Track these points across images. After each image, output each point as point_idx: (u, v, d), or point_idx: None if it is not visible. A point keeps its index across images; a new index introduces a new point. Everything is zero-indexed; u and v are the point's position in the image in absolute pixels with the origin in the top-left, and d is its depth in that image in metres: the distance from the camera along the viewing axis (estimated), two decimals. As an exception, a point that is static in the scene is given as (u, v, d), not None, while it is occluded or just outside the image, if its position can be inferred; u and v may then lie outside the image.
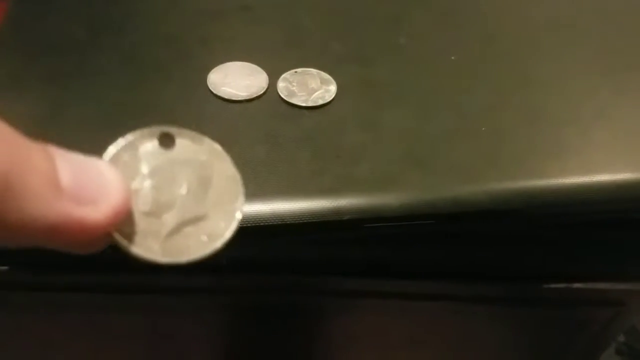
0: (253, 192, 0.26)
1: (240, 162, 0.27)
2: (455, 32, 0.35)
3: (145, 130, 0.16)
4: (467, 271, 0.29)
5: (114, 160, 0.15)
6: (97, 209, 0.13)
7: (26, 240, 0.13)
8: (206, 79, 0.31)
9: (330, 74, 0.31)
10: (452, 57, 0.33)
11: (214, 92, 0.30)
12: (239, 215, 0.16)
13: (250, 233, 0.25)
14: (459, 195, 0.26)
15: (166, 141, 0.16)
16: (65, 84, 0.30)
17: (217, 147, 0.17)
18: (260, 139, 0.28)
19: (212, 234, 0.16)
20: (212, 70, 0.31)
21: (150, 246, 0.15)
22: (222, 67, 0.31)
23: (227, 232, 0.16)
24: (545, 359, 0.37)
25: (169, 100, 0.30)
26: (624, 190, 0.27)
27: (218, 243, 0.16)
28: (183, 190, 0.16)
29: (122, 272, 0.27)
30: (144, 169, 0.16)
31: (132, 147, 0.16)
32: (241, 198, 0.17)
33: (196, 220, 0.16)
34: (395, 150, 0.28)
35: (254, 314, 0.32)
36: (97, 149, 0.16)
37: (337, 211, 0.25)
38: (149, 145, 0.16)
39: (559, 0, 0.37)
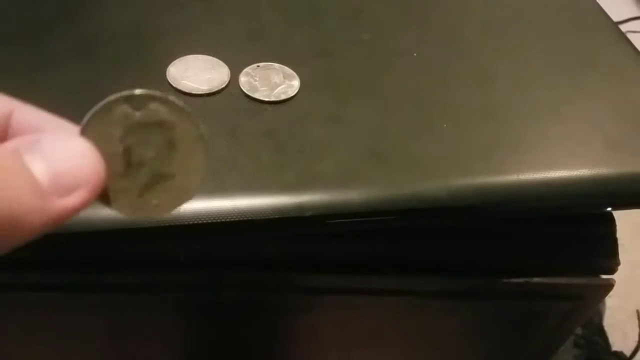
0: (214, 188, 0.25)
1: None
2: (417, 28, 0.35)
3: (117, 95, 0.17)
4: (429, 266, 0.29)
5: (90, 125, 0.16)
6: (80, 193, 0.14)
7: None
8: (165, 72, 0.30)
9: (293, 68, 0.31)
10: (415, 54, 0.33)
11: (174, 85, 0.29)
12: (203, 172, 0.18)
13: (211, 229, 0.25)
14: (420, 192, 0.26)
15: (136, 103, 0.17)
16: (19, 75, 0.29)
17: (184, 106, 0.18)
18: (221, 134, 0.28)
19: (180, 190, 0.17)
20: (172, 63, 0.30)
21: (124, 204, 0.17)
22: (182, 60, 0.31)
23: (194, 188, 0.17)
24: (504, 352, 0.37)
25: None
26: (580, 185, 0.27)
27: (186, 198, 0.17)
28: (152, 152, 0.17)
29: (74, 271, 0.26)
30: (117, 132, 0.17)
31: (106, 111, 0.16)
32: (205, 156, 0.18)
33: (165, 179, 0.17)
34: (357, 147, 0.27)
35: (214, 312, 0.32)
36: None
37: (299, 207, 0.25)
38: (121, 109, 0.17)
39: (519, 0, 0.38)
